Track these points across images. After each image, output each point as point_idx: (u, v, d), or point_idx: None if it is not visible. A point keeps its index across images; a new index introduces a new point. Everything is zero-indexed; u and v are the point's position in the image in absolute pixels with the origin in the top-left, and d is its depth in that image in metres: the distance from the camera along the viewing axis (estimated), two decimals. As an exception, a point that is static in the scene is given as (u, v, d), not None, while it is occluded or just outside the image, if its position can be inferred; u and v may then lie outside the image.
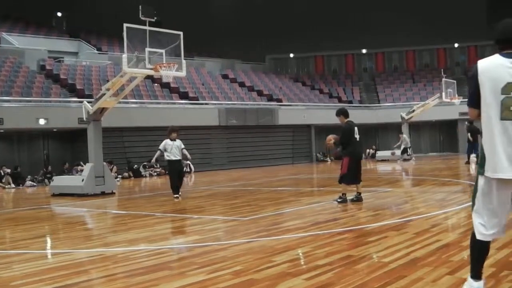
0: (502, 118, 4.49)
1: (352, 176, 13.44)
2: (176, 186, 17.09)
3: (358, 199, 13.43)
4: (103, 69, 37.67)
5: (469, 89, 4.79)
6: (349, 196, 13.55)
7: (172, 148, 17.01)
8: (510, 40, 4.68)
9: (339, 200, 13.40)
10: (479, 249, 4.76)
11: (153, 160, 18.23)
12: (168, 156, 17.04)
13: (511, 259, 6.51)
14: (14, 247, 9.45)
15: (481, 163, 4.69)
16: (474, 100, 4.68)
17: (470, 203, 4.92)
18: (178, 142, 17.16)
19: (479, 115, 4.68)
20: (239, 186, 21.29)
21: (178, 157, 17.13)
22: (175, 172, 17.34)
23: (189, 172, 31.63)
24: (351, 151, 13.47)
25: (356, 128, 13.64)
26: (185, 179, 21.36)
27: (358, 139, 13.62)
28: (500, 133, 4.50)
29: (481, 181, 4.68)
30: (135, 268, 7.10)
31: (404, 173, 26.22)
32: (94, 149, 19.60)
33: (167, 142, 17.12)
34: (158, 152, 17.40)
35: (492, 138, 4.53)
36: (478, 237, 4.70)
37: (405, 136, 35.44)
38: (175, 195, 16.92)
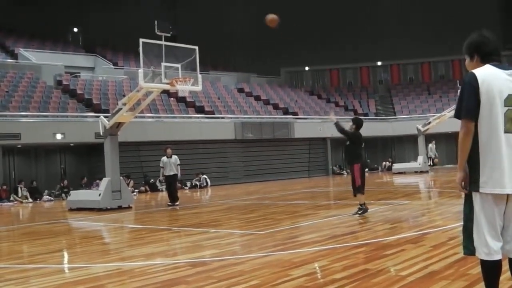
0: (506, 131, 4.39)
1: (363, 185, 13.42)
2: (171, 195, 19.97)
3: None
4: (119, 84, 37.86)
5: (466, 101, 4.46)
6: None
7: (168, 164, 19.77)
8: (498, 53, 4.62)
9: (359, 212, 13.29)
10: (492, 270, 4.52)
11: (161, 177, 20.89)
12: (164, 172, 19.95)
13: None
14: (32, 262, 9.49)
15: (474, 179, 4.50)
16: (474, 112, 4.43)
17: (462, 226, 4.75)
18: (173, 159, 19.84)
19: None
20: (255, 199, 21.27)
21: (172, 172, 19.88)
22: (168, 185, 20.26)
23: (206, 186, 31.67)
24: (360, 159, 13.51)
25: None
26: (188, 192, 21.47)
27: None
28: (505, 146, 4.38)
29: (476, 197, 4.50)
30: (152, 283, 7.11)
31: (420, 185, 26.08)
32: (111, 163, 19.67)
33: (163, 159, 19.85)
34: (162, 169, 19.97)
35: (495, 152, 4.38)
36: (485, 257, 4.48)
37: (430, 145, 35.54)
38: (169, 203, 19.74)
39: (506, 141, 4.40)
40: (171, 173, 19.84)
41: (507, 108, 4.41)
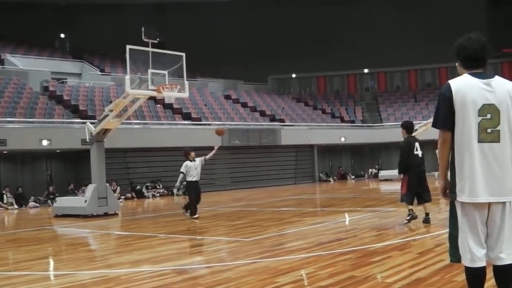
0: (480, 141, 4.44)
1: (412, 195, 12.80)
2: (195, 206, 17.14)
3: (425, 220, 12.55)
4: (106, 90, 37.77)
5: (441, 111, 4.57)
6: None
7: (193, 169, 17.19)
8: (479, 59, 4.64)
9: (408, 218, 12.69)
10: (476, 277, 4.57)
11: (178, 184, 17.76)
12: (189, 177, 17.16)
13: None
14: (17, 269, 9.44)
15: (452, 188, 4.58)
16: (449, 122, 4.52)
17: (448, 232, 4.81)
18: (197, 162, 17.38)
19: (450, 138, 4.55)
20: (242, 206, 21.26)
21: (197, 178, 17.27)
22: (194, 193, 17.32)
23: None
24: (407, 168, 12.82)
25: (417, 144, 13.05)
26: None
27: (419, 155, 12.98)
28: (479, 156, 4.43)
29: (458, 205, 4.57)
30: (138, 290, 7.10)
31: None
32: (97, 170, 19.60)
33: (187, 164, 17.24)
34: (181, 175, 17.28)
35: (470, 161, 4.44)
36: (469, 264, 4.54)
37: (437, 151, 35.58)
38: (195, 216, 16.85)
39: (480, 151, 4.45)
40: (195, 179, 17.22)
41: (481, 118, 4.46)
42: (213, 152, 17.82)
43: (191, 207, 17.16)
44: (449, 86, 4.55)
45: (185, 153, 17.65)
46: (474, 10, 49.12)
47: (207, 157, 17.73)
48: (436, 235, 10.43)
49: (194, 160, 17.35)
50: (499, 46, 48.10)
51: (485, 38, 4.71)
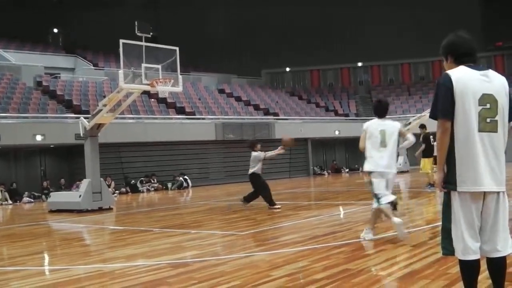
0: (480, 130, 4.46)
1: None
2: (270, 195, 16.91)
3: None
4: (100, 85, 37.66)
5: (441, 101, 4.55)
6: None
7: (260, 162, 17.04)
8: (474, 54, 4.71)
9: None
10: (470, 270, 4.58)
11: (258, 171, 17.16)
12: (257, 170, 17.08)
13: (510, 270, 6.50)
14: (12, 264, 9.43)
15: (451, 178, 4.56)
16: (449, 112, 4.50)
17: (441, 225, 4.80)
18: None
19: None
20: (236, 200, 21.22)
21: (260, 171, 17.12)
22: (266, 185, 17.20)
23: (187, 187, 31.58)
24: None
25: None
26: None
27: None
28: (480, 145, 4.45)
29: (455, 196, 4.55)
30: (133, 284, 7.10)
31: (401, 185, 26.18)
32: (91, 165, 19.56)
33: (257, 154, 17.05)
34: (260, 164, 17.03)
35: (471, 150, 4.46)
36: (463, 257, 4.54)
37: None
38: (277, 206, 16.57)
39: (480, 140, 4.47)
40: (260, 172, 17.18)
41: (481, 107, 4.48)
42: (276, 152, 17.33)
43: (270, 200, 16.83)
44: (448, 76, 4.56)
45: (251, 144, 17.41)
46: (468, 4, 49.24)
47: (267, 154, 17.27)
48: (430, 228, 10.45)
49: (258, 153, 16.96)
50: (492, 40, 48.24)
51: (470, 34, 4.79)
